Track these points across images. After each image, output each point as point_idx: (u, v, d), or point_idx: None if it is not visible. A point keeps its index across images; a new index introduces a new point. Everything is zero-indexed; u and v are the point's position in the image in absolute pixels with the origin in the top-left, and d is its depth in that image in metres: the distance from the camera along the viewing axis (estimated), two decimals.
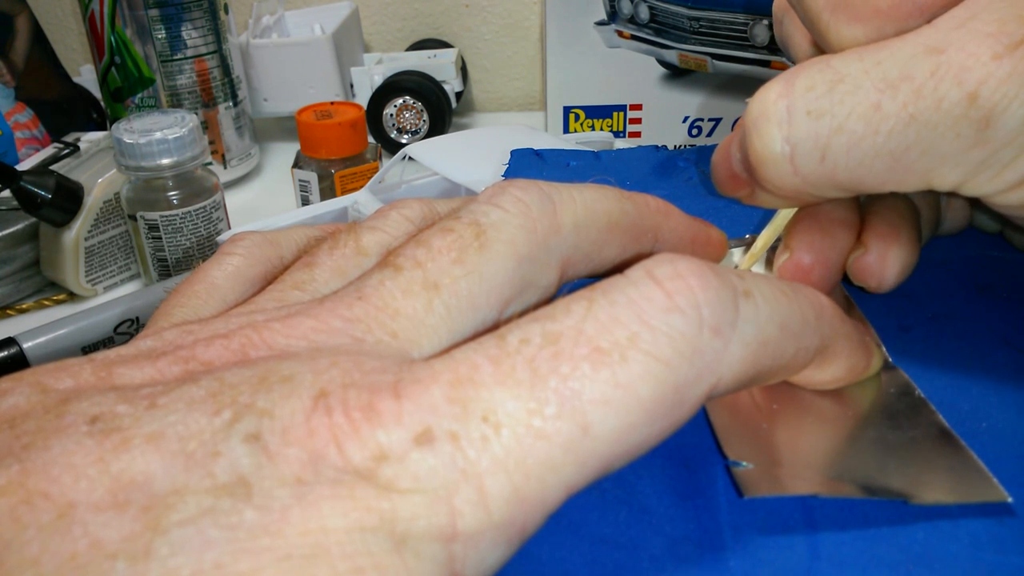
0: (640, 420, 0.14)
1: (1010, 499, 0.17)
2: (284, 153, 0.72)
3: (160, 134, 0.46)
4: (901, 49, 0.18)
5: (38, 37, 0.66)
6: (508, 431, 0.13)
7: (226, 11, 0.64)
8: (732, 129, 0.70)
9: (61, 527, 0.12)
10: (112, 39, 0.60)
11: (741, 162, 0.21)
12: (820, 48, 0.24)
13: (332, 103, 0.60)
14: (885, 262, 0.23)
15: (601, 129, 0.65)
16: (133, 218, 0.48)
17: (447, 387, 0.13)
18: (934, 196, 0.26)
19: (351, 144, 0.57)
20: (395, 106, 0.68)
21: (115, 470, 0.12)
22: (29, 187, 0.47)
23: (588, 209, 0.19)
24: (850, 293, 0.25)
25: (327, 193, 0.57)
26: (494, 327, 0.17)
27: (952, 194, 0.19)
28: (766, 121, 0.19)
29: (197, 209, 0.48)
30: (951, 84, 0.17)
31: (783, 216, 0.24)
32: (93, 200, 0.50)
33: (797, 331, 0.17)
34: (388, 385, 0.14)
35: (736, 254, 0.27)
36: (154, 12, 0.59)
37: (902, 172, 0.19)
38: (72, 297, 0.52)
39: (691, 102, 0.63)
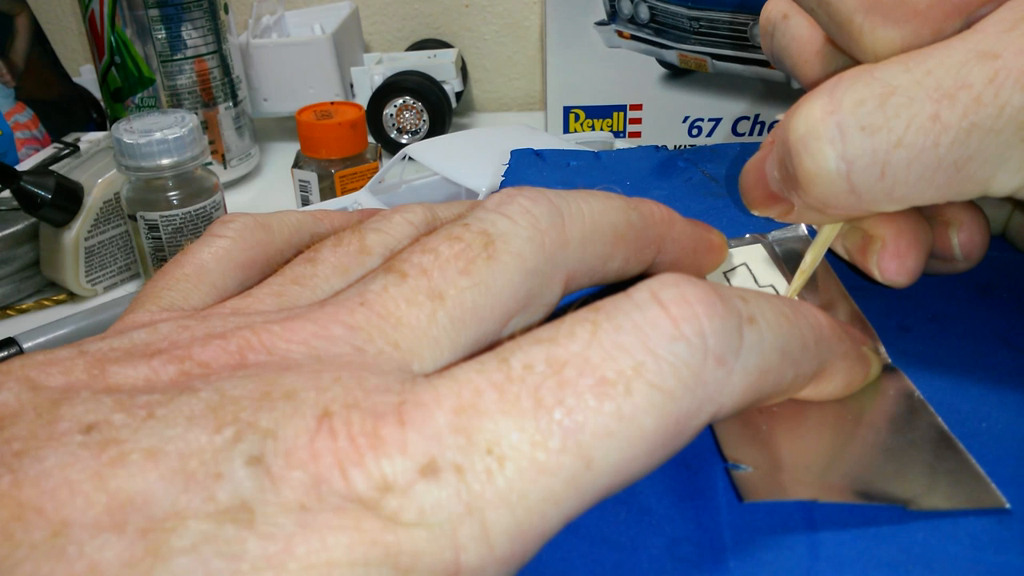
0: (641, 452, 0.14)
1: (1008, 505, 0.17)
2: (284, 153, 0.72)
3: (160, 134, 0.46)
4: (950, 56, 0.17)
5: (38, 37, 0.66)
6: (512, 464, 0.13)
7: (226, 11, 0.64)
8: (732, 131, 0.70)
9: (56, 547, 0.11)
10: (112, 39, 0.60)
11: (782, 182, 0.20)
12: (826, 58, 0.23)
13: (332, 103, 0.60)
14: (980, 233, 0.23)
15: (601, 129, 0.65)
16: (133, 218, 0.48)
17: (451, 414, 0.13)
18: None
19: (351, 144, 0.57)
20: (395, 106, 0.68)
21: (112, 487, 0.12)
22: (29, 187, 0.47)
23: (595, 223, 0.19)
24: (851, 294, 0.25)
25: (327, 193, 0.57)
26: (497, 343, 0.17)
27: (1007, 199, 0.19)
28: (816, 139, 0.18)
29: (197, 209, 0.48)
30: (1013, 89, 0.17)
31: (828, 232, 0.23)
32: (93, 200, 0.50)
33: (797, 357, 0.17)
34: (392, 408, 0.13)
35: (736, 255, 0.27)
36: (154, 12, 0.59)
37: (962, 182, 0.18)
38: (72, 297, 0.52)
39: (691, 102, 0.63)
